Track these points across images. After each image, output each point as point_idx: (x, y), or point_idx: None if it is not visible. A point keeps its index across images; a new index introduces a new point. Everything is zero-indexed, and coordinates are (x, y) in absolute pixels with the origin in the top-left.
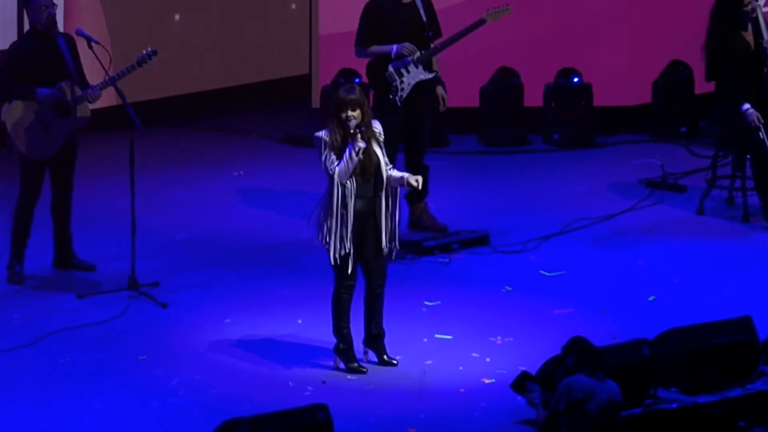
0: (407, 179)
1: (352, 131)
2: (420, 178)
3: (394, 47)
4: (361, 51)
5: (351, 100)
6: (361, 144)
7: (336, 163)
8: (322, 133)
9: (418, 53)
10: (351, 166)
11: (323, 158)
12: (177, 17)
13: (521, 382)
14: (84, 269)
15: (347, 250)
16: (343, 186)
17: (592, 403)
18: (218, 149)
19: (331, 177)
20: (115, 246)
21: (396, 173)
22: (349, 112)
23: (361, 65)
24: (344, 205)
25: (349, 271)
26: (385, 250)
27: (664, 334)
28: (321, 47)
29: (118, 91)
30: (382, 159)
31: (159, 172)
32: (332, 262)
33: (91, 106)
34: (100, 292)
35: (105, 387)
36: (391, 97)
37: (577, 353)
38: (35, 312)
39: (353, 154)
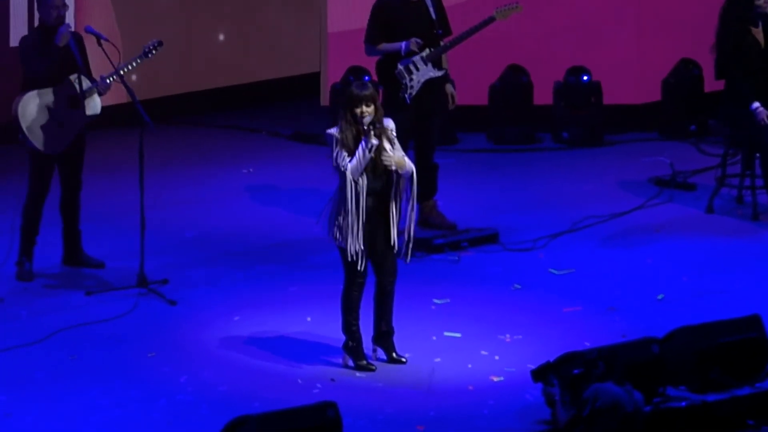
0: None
1: (365, 128)
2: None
3: (403, 44)
4: (371, 49)
5: (365, 96)
6: (374, 141)
7: (348, 160)
8: (334, 130)
9: (427, 50)
10: (363, 163)
11: (335, 155)
12: (187, 14)
13: (544, 372)
14: (93, 266)
15: (360, 247)
16: (356, 183)
17: (616, 416)
18: (228, 146)
19: (343, 174)
20: (124, 243)
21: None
22: (364, 108)
23: (370, 63)
24: (357, 202)
25: (361, 269)
26: (394, 246)
27: (673, 332)
28: (330, 45)
29: (128, 89)
30: (397, 155)
31: (168, 169)
32: (348, 259)
33: (102, 103)
34: (109, 289)
35: (114, 384)
36: (400, 94)
37: (606, 362)
38: (44, 309)
39: (366, 151)
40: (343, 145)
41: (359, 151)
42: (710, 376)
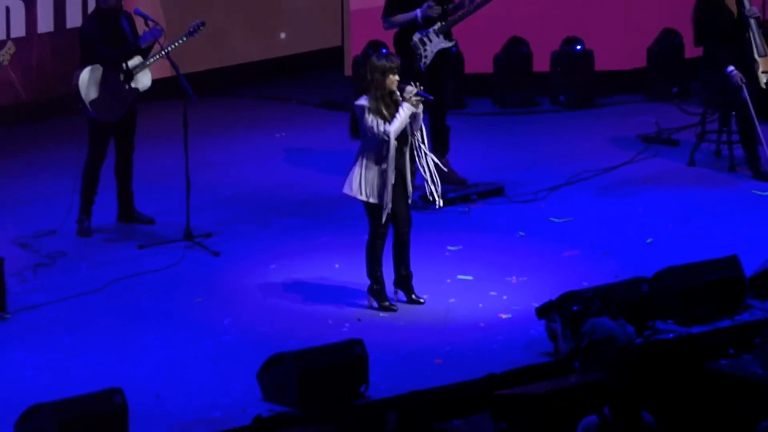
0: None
1: (410, 96)
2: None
3: (418, 11)
4: (388, 21)
5: (396, 65)
6: (414, 108)
7: (385, 124)
8: (364, 101)
9: (438, 24)
10: (404, 125)
11: (369, 122)
12: None
13: (547, 309)
14: (144, 223)
15: (391, 201)
16: (391, 144)
17: (611, 348)
18: (262, 114)
19: (381, 139)
20: (172, 202)
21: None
22: (397, 76)
23: (388, 37)
24: (392, 162)
25: (384, 221)
26: (409, 198)
27: (661, 272)
28: (352, 21)
29: (173, 64)
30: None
31: (209, 135)
32: (380, 212)
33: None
34: (159, 242)
35: (165, 327)
36: (416, 64)
37: (601, 300)
38: (102, 261)
39: (407, 115)
40: (378, 113)
41: (401, 116)
42: (695, 311)
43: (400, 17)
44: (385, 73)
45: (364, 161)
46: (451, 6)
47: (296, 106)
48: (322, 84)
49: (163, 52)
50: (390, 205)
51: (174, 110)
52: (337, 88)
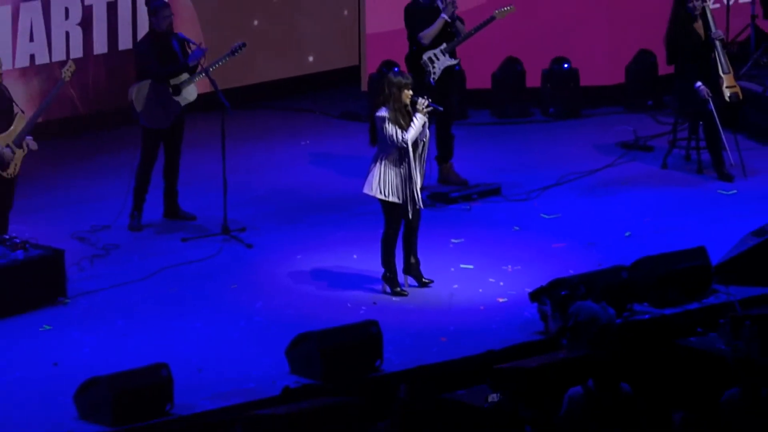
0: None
1: (423, 108)
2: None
3: (443, 14)
4: (424, 37)
5: (410, 82)
6: (425, 118)
7: (403, 133)
8: (384, 113)
9: (444, 45)
10: (418, 133)
11: (389, 131)
12: (255, 22)
13: (538, 294)
14: (187, 219)
15: (407, 198)
16: (409, 150)
17: (594, 327)
18: (289, 124)
19: (400, 146)
20: (210, 200)
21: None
22: (411, 91)
23: (400, 57)
24: (408, 165)
25: (400, 216)
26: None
27: (638, 261)
28: (368, 44)
29: (212, 81)
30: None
31: (243, 143)
32: (395, 209)
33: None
34: (199, 236)
35: (204, 310)
36: (425, 79)
37: (586, 285)
38: (150, 252)
39: (421, 124)
40: (396, 122)
41: (416, 125)
42: (667, 295)
43: (432, 29)
44: (401, 88)
45: (383, 164)
46: (454, 30)
47: (319, 117)
48: (341, 98)
49: (203, 73)
50: (421, 204)
51: (213, 121)
52: (354, 102)
